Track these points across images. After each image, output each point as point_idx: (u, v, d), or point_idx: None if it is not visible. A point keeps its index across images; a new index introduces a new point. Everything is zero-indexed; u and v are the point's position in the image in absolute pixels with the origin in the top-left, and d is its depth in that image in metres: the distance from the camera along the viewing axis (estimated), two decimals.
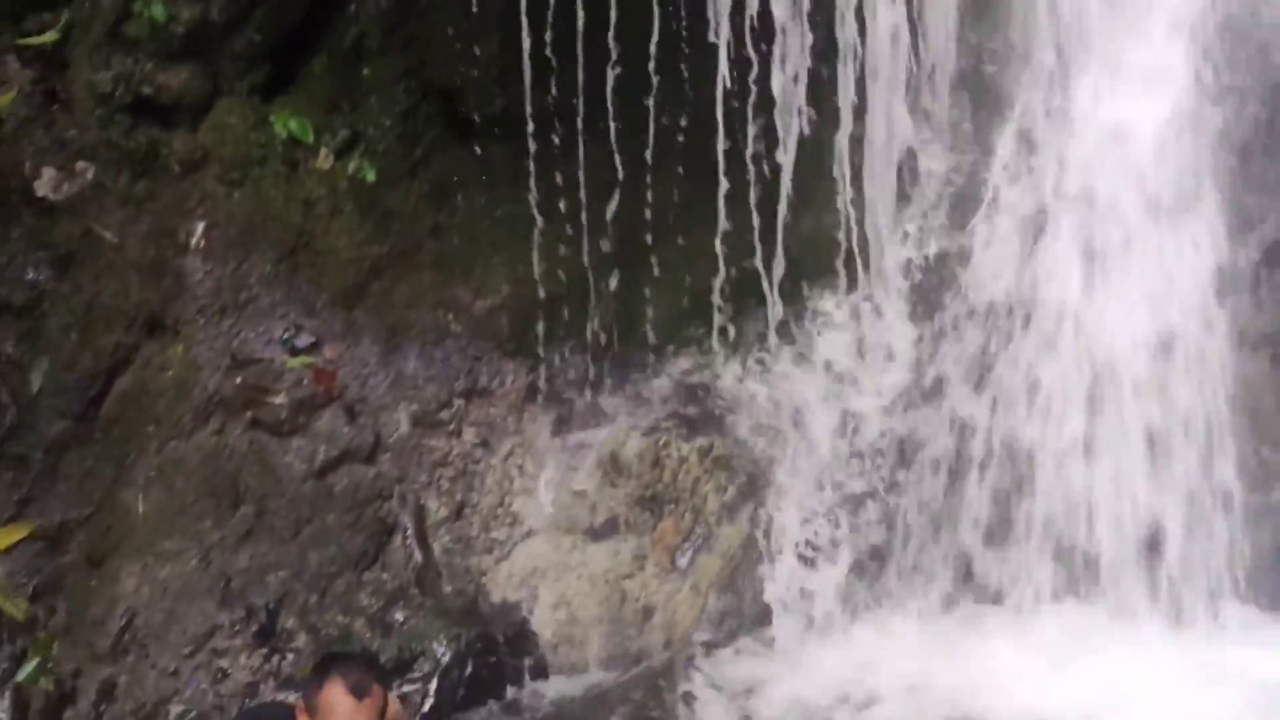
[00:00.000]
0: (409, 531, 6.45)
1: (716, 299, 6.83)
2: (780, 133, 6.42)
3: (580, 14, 6.31)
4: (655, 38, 6.35)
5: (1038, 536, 6.35)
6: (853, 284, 6.78)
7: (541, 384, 6.80)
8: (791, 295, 6.78)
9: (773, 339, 6.82)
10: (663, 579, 6.47)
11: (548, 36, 6.33)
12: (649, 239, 6.78)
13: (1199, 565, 6.26)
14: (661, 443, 6.69)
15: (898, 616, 6.40)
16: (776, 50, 6.35)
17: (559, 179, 6.62)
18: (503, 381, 6.78)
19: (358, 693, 4.54)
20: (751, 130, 6.50)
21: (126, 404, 6.19)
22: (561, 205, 6.66)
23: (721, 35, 6.29)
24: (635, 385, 6.91)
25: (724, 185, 6.52)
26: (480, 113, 6.70)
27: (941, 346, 6.68)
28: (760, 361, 6.88)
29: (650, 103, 6.48)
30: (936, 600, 6.42)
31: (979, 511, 6.44)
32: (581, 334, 6.83)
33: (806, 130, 6.48)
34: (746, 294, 6.81)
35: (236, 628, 6.07)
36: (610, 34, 6.37)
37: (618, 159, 6.56)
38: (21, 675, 5.74)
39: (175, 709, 5.93)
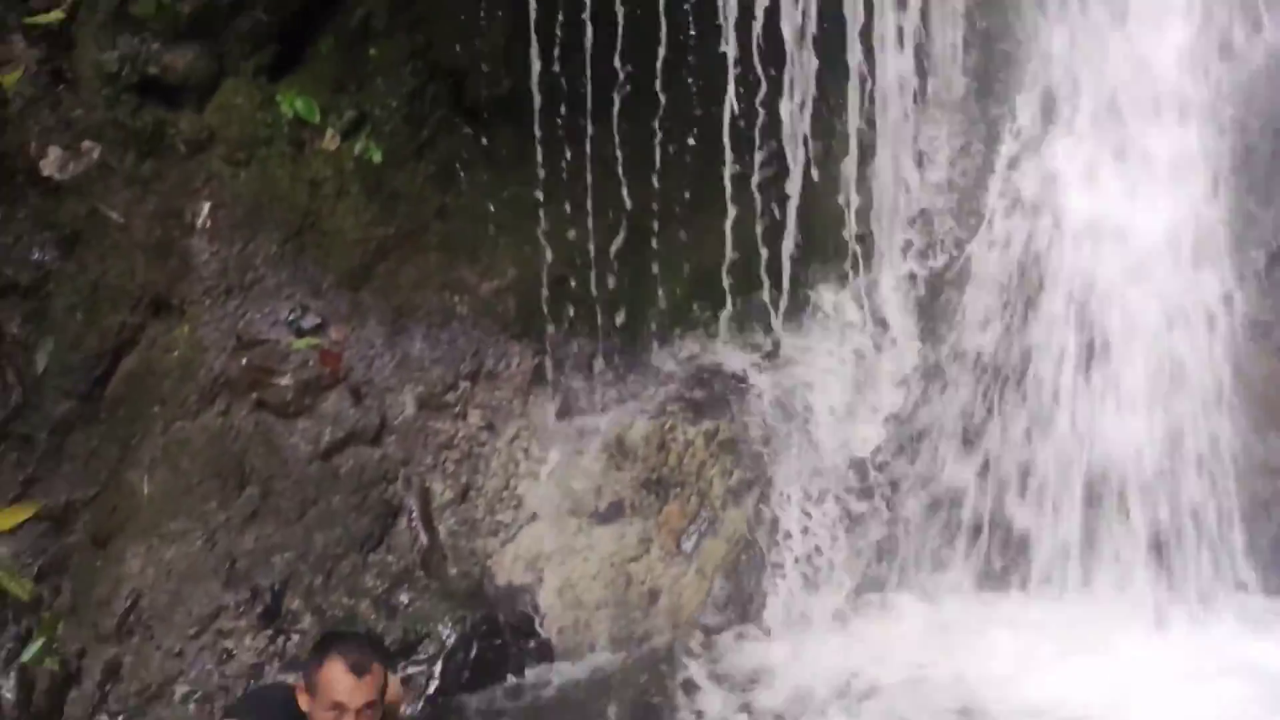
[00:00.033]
0: (414, 514, 6.44)
1: (725, 280, 6.81)
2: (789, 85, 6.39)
3: None
4: (663, 18, 6.33)
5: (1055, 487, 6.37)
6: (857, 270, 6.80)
7: (547, 367, 6.78)
8: (797, 281, 6.78)
9: (778, 323, 6.81)
10: (668, 562, 6.46)
11: (557, 17, 6.30)
12: (655, 222, 6.76)
13: (1206, 556, 6.25)
14: (667, 426, 6.67)
15: (904, 599, 6.40)
16: (786, 25, 6.31)
17: (566, 160, 6.59)
18: (509, 364, 6.76)
19: (357, 670, 4.51)
20: (760, 99, 6.45)
21: (132, 384, 6.17)
22: (568, 187, 6.63)
23: (729, 15, 6.27)
24: (641, 368, 6.89)
25: (731, 166, 6.50)
26: (487, 94, 6.67)
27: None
28: (765, 346, 6.88)
29: (658, 85, 6.44)
30: (943, 585, 6.42)
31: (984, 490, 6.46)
32: (588, 317, 6.81)
33: (814, 90, 6.45)
34: (753, 276, 6.78)
35: (241, 609, 6.06)
36: (619, 12, 6.32)
37: (617, 143, 6.53)
38: (27, 655, 5.72)
39: (180, 690, 5.92)
